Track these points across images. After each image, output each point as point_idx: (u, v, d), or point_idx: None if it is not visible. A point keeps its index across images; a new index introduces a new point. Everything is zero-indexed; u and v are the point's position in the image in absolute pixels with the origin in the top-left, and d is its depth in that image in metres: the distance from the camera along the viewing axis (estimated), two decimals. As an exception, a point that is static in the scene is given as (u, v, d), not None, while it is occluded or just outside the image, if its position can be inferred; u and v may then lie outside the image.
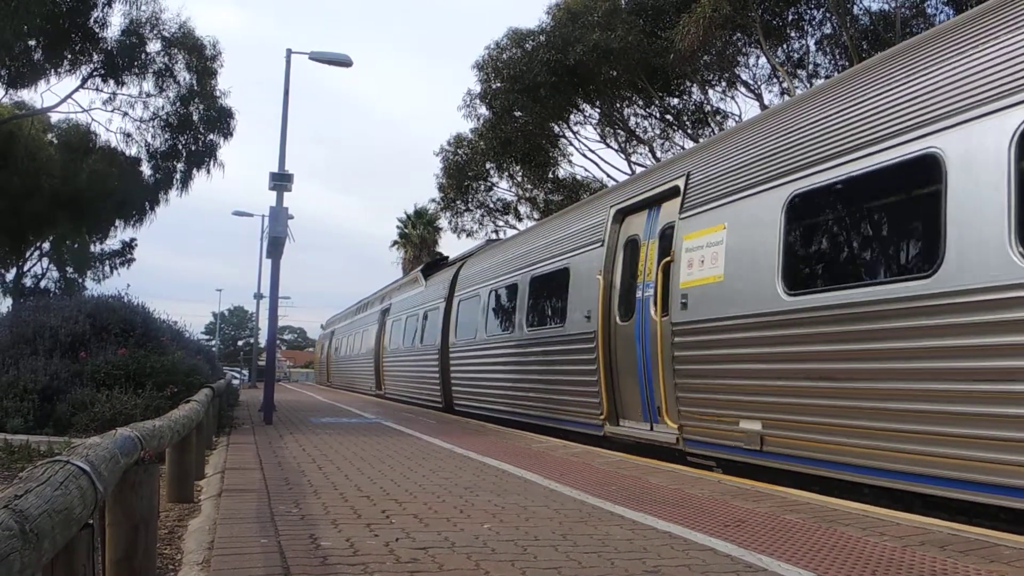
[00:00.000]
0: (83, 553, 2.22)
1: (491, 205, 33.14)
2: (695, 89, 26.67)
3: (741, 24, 22.00)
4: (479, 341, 14.18)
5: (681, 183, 8.10)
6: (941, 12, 20.52)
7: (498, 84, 26.91)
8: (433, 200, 35.86)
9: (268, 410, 12.43)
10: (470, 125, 29.95)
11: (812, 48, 23.90)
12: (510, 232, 29.12)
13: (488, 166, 31.26)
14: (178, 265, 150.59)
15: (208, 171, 28.77)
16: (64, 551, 2.06)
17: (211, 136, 28.44)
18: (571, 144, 29.66)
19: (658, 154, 27.84)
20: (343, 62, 14.50)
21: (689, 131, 27.51)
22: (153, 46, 26.02)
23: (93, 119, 28.38)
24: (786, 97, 22.14)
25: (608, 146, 29.33)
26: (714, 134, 22.49)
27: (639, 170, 24.20)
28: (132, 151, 28.31)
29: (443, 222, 38.11)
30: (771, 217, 6.58)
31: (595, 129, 29.24)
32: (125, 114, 27.05)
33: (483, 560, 3.61)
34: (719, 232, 7.23)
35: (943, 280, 4.98)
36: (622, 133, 28.76)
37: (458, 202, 32.77)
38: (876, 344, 5.41)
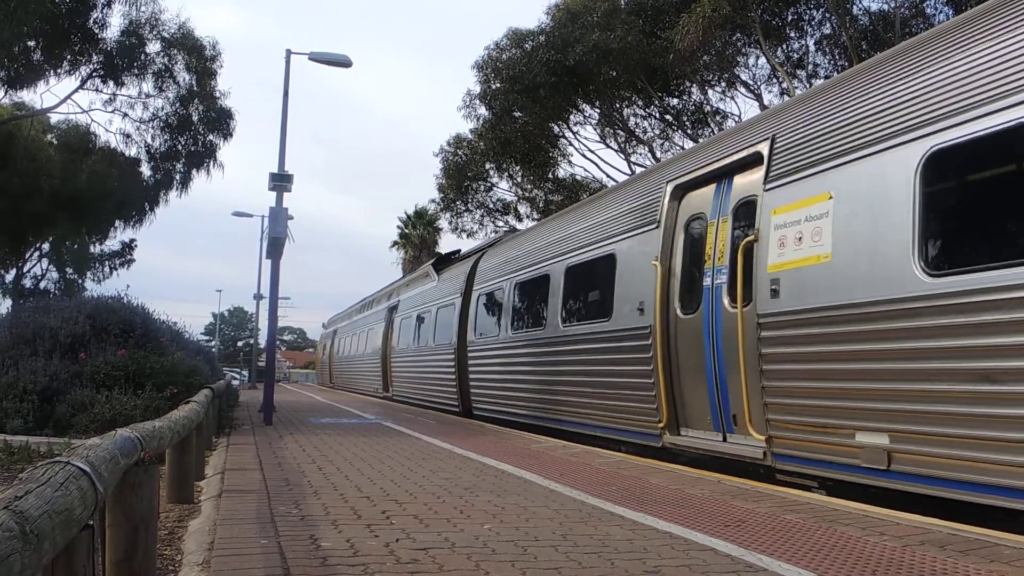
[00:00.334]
0: (83, 554, 2.22)
1: (491, 205, 33.17)
2: (695, 89, 26.68)
3: (741, 24, 22.01)
4: (503, 339, 13.05)
5: (764, 149, 6.88)
6: (940, 12, 20.55)
7: (498, 84, 26.91)
8: (433, 200, 35.94)
9: (268, 411, 12.43)
10: (470, 125, 29.99)
11: (812, 48, 23.93)
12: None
13: (488, 166, 31.28)
14: (178, 266, 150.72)
15: (208, 172, 28.83)
16: (64, 552, 2.06)
17: (211, 137, 28.47)
18: (571, 144, 29.70)
19: (658, 154, 27.87)
20: (343, 63, 14.50)
21: (689, 131, 27.53)
22: (153, 47, 26.08)
23: (93, 120, 28.46)
24: (785, 98, 22.15)
25: (608, 146, 29.36)
26: (713, 134, 22.52)
27: (638, 170, 24.27)
28: (132, 152, 28.38)
29: (443, 222, 38.20)
30: (900, 180, 5.39)
31: (595, 129, 29.27)
32: (125, 115, 27.12)
33: (483, 560, 3.61)
34: (822, 203, 6.03)
35: None
36: (622, 133, 28.76)
37: (458, 202, 32.79)
38: None
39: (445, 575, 3.38)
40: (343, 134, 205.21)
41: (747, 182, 7.19)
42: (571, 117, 28.55)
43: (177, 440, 5.21)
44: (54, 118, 30.14)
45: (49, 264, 36.59)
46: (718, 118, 26.28)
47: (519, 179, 31.95)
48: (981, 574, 3.52)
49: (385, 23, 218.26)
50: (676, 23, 21.26)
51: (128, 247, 36.24)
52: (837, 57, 22.77)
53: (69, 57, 24.49)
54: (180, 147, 28.26)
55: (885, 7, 22.02)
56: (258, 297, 39.40)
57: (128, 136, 27.68)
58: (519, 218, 32.70)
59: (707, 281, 7.53)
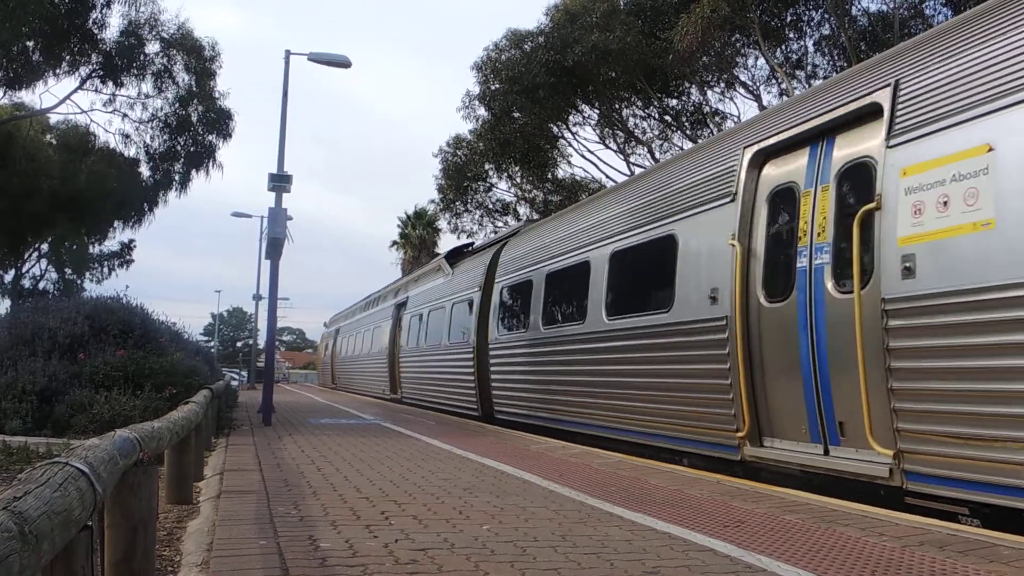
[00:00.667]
0: (82, 555, 2.22)
1: (490, 206, 33.21)
2: (694, 90, 26.71)
3: (740, 25, 22.03)
4: (532, 336, 11.77)
5: (883, 98, 5.76)
6: (939, 13, 20.57)
7: (497, 85, 26.94)
8: (432, 201, 36.01)
9: (267, 411, 12.43)
10: (469, 126, 30.04)
11: (811, 49, 23.97)
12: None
13: (487, 167, 31.33)
14: (177, 266, 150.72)
15: (207, 172, 28.82)
16: (63, 553, 2.05)
17: (210, 137, 28.46)
18: (570, 145, 29.74)
19: (657, 155, 27.90)
20: (342, 63, 14.50)
21: (688, 132, 27.55)
22: (152, 47, 26.08)
23: (92, 120, 28.47)
24: (785, 98, 22.16)
25: (607, 147, 29.40)
26: (713, 135, 22.53)
27: (638, 171, 24.29)
28: (131, 152, 28.38)
29: (442, 223, 38.21)
30: None
31: (594, 130, 29.32)
32: (124, 115, 27.12)
33: (482, 561, 3.61)
34: (978, 157, 4.95)
35: None
36: (621, 134, 28.79)
37: (457, 203, 32.83)
38: None
39: (444, 576, 3.38)
40: (342, 134, 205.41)
41: (859, 140, 6.03)
42: (570, 118, 28.58)
43: (176, 441, 5.21)
44: (53, 118, 30.20)
45: (48, 264, 36.62)
46: (717, 119, 26.31)
47: (518, 180, 32.00)
48: (980, 574, 3.52)
49: (385, 23, 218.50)
50: (675, 24, 21.29)
51: (127, 247, 36.29)
52: (836, 58, 22.80)
53: (68, 57, 24.48)
54: (179, 147, 28.27)
55: (884, 8, 22.09)
56: (257, 297, 39.38)
57: (127, 136, 27.73)
58: (518, 218, 32.71)
59: (802, 262, 6.40)
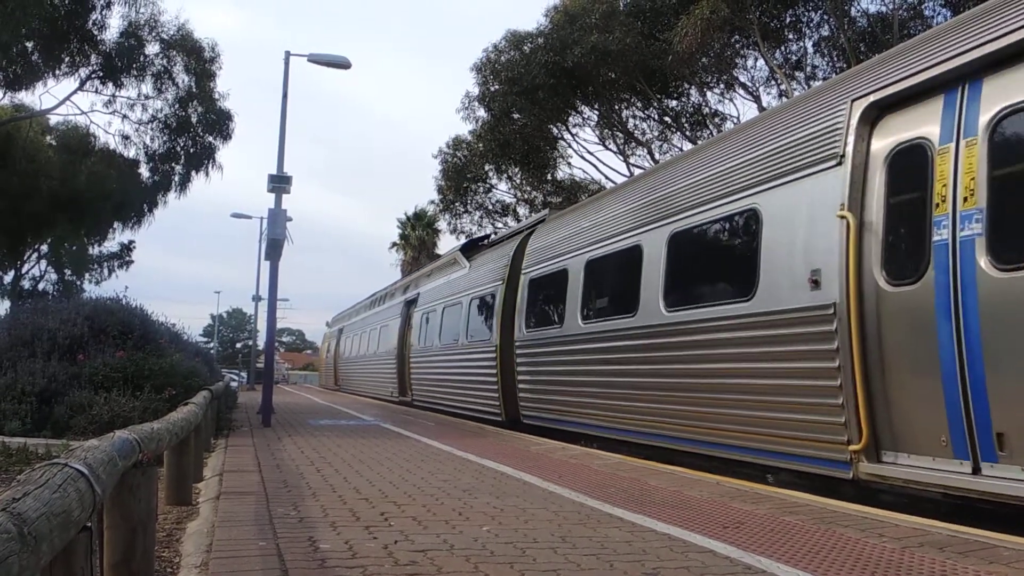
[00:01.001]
0: (81, 556, 2.22)
1: (490, 207, 33.24)
2: (693, 91, 26.73)
3: (739, 26, 22.04)
4: (569, 332, 10.53)
5: None
6: (939, 14, 20.59)
7: (496, 86, 26.97)
8: (432, 202, 36.03)
9: (266, 412, 12.42)
10: (469, 127, 30.05)
11: (810, 50, 23.99)
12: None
13: (487, 168, 31.35)
14: (176, 267, 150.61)
15: (207, 173, 28.83)
16: (62, 554, 2.05)
17: (209, 138, 28.48)
18: (570, 146, 29.76)
19: (656, 156, 27.92)
20: (342, 64, 14.50)
21: (688, 133, 27.57)
22: (152, 48, 26.11)
23: (92, 121, 28.46)
24: (784, 99, 22.18)
25: (607, 148, 29.42)
26: (712, 136, 22.53)
27: (637, 172, 24.31)
28: (131, 153, 28.41)
29: (442, 224, 38.23)
30: None
31: (594, 131, 29.34)
32: (124, 116, 27.16)
33: (482, 562, 3.61)
34: None
35: None
36: (620, 135, 28.81)
37: (457, 204, 32.87)
38: None
39: (444, 577, 3.38)
40: (342, 135, 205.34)
41: (1014, 81, 4.98)
42: (570, 119, 28.61)
43: (175, 442, 5.21)
44: (53, 119, 30.22)
45: (48, 265, 36.62)
46: (717, 120, 26.33)
47: (518, 180, 32.03)
48: (980, 575, 3.52)
49: (384, 24, 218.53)
50: (674, 25, 21.31)
51: (127, 248, 36.30)
52: (835, 59, 22.82)
53: (68, 58, 24.50)
54: (179, 148, 28.29)
55: (883, 9, 22.10)
56: (257, 298, 39.36)
57: (127, 137, 27.75)
58: (518, 219, 32.74)
59: (940, 235, 5.27)
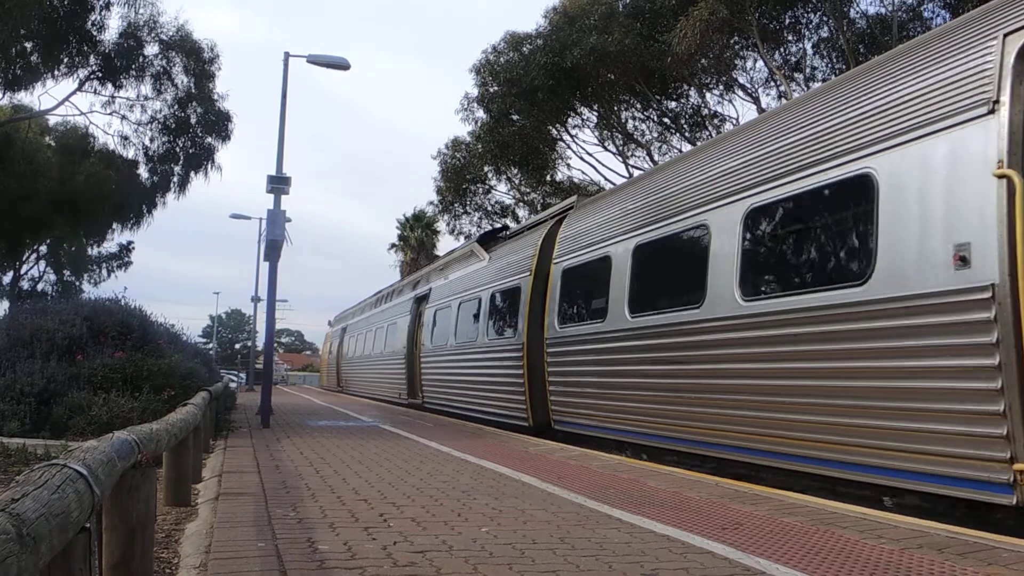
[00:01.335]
0: (80, 557, 2.22)
1: (489, 208, 33.26)
2: (692, 92, 26.75)
3: (738, 27, 22.07)
4: (613, 327, 9.35)
5: None
6: (938, 16, 20.62)
7: (495, 88, 27.00)
8: (431, 203, 36.02)
9: (265, 413, 12.42)
10: (468, 128, 30.08)
11: (809, 51, 24.04)
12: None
13: (486, 169, 31.36)
14: (175, 268, 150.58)
15: (206, 174, 28.87)
16: (61, 555, 2.05)
17: (209, 139, 28.52)
18: (569, 147, 29.80)
19: (655, 157, 27.94)
20: (341, 65, 14.50)
21: (687, 134, 27.59)
22: (151, 49, 26.14)
23: (91, 122, 28.48)
24: (783, 100, 22.21)
25: (606, 149, 29.45)
26: (711, 137, 22.54)
27: (636, 173, 24.31)
28: (130, 154, 28.43)
29: (441, 225, 38.24)
30: None
31: (593, 132, 29.38)
32: (123, 117, 27.18)
33: (481, 564, 3.61)
34: None
35: None
36: (620, 136, 28.84)
37: (456, 205, 32.89)
38: None
39: (443, 578, 3.38)
40: (342, 136, 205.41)
41: None
42: (569, 120, 28.64)
43: (174, 443, 5.20)
44: (52, 120, 30.26)
45: (46, 266, 36.66)
46: (716, 121, 26.36)
47: (517, 182, 32.05)
48: (979, 577, 3.52)
49: (384, 25, 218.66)
50: (674, 26, 21.33)
51: (125, 249, 36.37)
52: (835, 60, 22.85)
53: (67, 59, 24.49)
54: (178, 149, 28.31)
55: (882, 10, 22.13)
56: (256, 299, 39.31)
57: (126, 138, 27.78)
58: (517, 220, 32.77)
59: None
